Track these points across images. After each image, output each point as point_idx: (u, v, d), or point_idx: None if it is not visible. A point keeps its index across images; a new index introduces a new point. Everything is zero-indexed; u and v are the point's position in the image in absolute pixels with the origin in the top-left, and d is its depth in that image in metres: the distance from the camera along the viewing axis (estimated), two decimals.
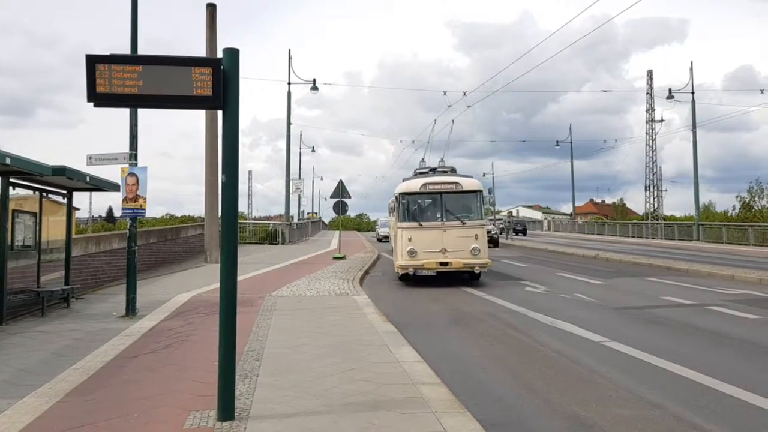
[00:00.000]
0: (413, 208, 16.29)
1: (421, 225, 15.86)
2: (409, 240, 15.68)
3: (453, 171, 18.68)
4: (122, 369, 7.03)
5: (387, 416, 5.20)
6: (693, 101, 39.39)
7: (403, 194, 16.44)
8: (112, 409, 5.52)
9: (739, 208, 47.36)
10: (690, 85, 39.34)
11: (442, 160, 22.03)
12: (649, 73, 54.79)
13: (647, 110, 53.49)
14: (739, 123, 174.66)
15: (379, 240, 46.29)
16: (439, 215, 15.96)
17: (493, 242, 34.16)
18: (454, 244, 15.51)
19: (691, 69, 39.80)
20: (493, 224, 42.84)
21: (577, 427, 5.42)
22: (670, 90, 39.92)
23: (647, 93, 53.79)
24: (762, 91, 43.19)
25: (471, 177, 17.42)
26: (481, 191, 16.53)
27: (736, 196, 48.17)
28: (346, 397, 5.78)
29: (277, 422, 5.09)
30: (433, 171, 18.84)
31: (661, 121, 54.33)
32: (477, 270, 15.77)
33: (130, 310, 10.86)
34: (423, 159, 26.76)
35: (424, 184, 16.31)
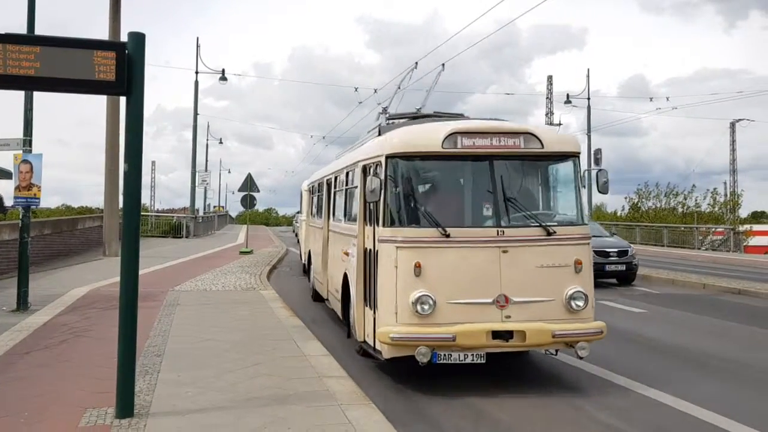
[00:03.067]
0: (423, 192, 7.18)
1: (448, 236, 6.51)
2: (417, 272, 6.43)
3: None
4: (12, 366, 6.65)
5: (292, 410, 5.21)
6: (588, 107, 41.35)
7: (401, 157, 6.84)
8: (0, 408, 5.23)
9: (628, 209, 50.07)
10: (586, 91, 41.38)
11: (418, 110, 9.89)
12: (549, 79, 57.26)
13: (547, 114, 55.79)
14: (630, 129, 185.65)
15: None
16: (488, 211, 6.93)
17: (622, 278, 17.01)
18: (525, 282, 6.55)
19: (588, 76, 41.71)
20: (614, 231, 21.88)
21: (474, 414, 5.64)
22: (567, 95, 41.76)
23: (547, 97, 56.15)
24: (651, 99, 45.98)
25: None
26: (578, 156, 7.32)
27: (625, 197, 50.91)
28: (251, 391, 5.74)
29: (179, 418, 5.00)
30: (415, 118, 9.04)
31: (560, 124, 56.63)
32: (582, 350, 6.50)
33: (22, 304, 10.28)
34: (385, 109, 10.97)
35: (454, 134, 6.76)
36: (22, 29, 10.61)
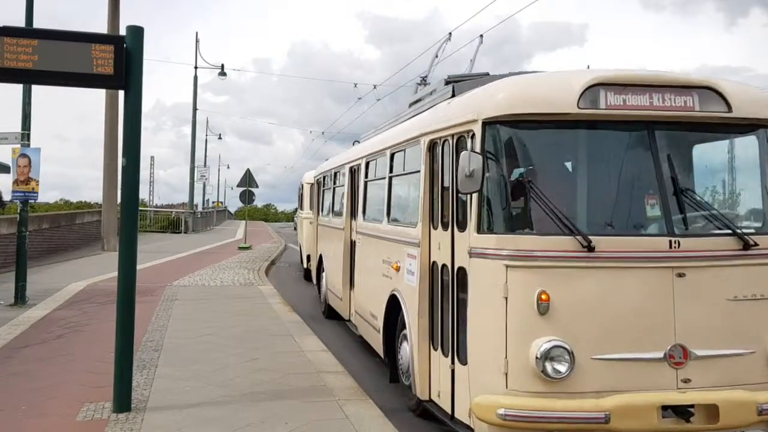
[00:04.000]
0: (545, 178, 4.32)
1: (592, 248, 3.94)
2: (542, 307, 3.89)
3: None
4: (9, 360, 6.65)
5: (290, 405, 5.22)
6: None
7: (510, 123, 4.22)
8: None
9: None
10: None
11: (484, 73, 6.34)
12: None
13: None
14: None
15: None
16: (653, 210, 4.26)
17: None
18: (711, 324, 4.03)
19: None
20: None
21: None
22: None
23: None
24: None
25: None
26: None
27: None
28: (249, 386, 5.74)
29: (176, 413, 5.00)
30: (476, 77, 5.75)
31: None
32: None
33: (20, 298, 10.27)
34: (425, 78, 9.10)
35: (596, 87, 4.11)
36: (21, 24, 10.58)
